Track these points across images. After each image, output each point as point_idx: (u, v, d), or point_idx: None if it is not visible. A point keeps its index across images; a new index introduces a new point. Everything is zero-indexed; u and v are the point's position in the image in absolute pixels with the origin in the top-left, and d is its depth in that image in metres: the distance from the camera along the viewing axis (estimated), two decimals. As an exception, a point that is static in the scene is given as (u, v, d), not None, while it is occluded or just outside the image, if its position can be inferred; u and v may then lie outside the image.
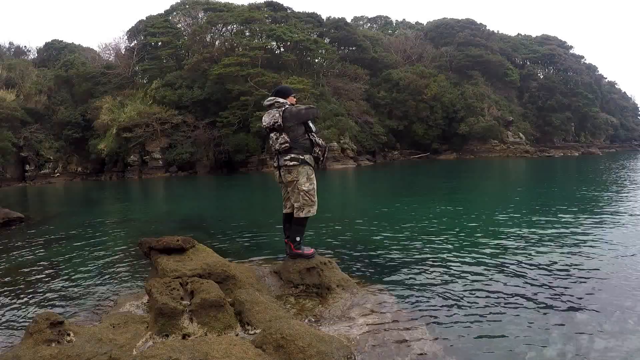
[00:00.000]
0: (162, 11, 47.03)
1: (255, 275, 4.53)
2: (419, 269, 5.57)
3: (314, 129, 4.56)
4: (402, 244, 7.02)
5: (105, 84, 38.29)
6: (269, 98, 4.62)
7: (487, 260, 5.85)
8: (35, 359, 2.82)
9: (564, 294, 4.52)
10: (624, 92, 73.00)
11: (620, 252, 6.02)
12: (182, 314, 3.37)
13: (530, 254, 6.07)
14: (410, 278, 5.22)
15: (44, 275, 6.14)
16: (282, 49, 39.67)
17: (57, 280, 5.87)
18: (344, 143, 35.35)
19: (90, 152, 35.74)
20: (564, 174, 22.80)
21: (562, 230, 7.57)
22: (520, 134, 45.31)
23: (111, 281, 5.68)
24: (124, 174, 34.73)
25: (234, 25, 39.23)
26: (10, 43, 50.30)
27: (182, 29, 43.66)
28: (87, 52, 47.45)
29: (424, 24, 59.50)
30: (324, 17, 46.62)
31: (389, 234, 7.82)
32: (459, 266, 5.63)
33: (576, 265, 5.51)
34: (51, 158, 35.52)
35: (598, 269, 5.30)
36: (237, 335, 3.37)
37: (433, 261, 5.89)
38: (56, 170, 35.87)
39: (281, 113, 4.40)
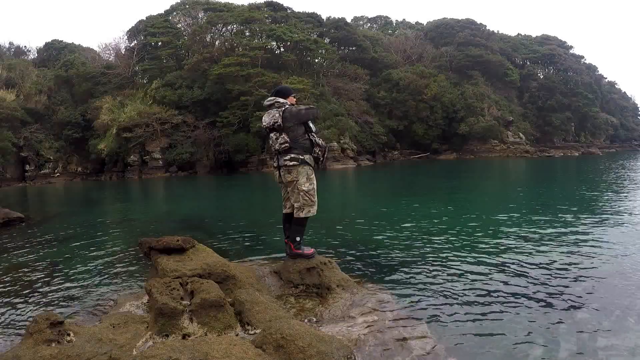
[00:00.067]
0: (162, 11, 47.10)
1: (255, 275, 4.53)
2: (419, 268, 5.57)
3: (314, 129, 4.56)
4: (402, 243, 7.02)
5: (105, 84, 38.30)
6: (269, 98, 4.62)
7: (487, 260, 5.85)
8: (35, 359, 2.81)
9: (564, 293, 4.53)
10: (624, 92, 73.12)
11: (620, 251, 6.03)
12: (182, 314, 3.37)
13: (530, 254, 6.08)
14: (410, 277, 5.22)
15: (44, 275, 6.13)
16: (282, 49, 39.67)
17: (57, 280, 5.87)
18: (344, 143, 35.33)
19: (90, 152, 35.74)
20: (563, 174, 22.80)
21: (562, 230, 7.57)
22: (520, 134, 45.31)
23: (111, 281, 5.67)
24: (124, 174, 34.73)
25: (234, 25, 39.24)
26: (10, 43, 50.41)
27: (182, 29, 43.66)
28: (87, 52, 47.46)
29: (424, 24, 59.50)
30: (324, 17, 46.67)
31: (389, 234, 7.81)
32: (459, 265, 5.63)
33: (576, 264, 5.52)
34: (51, 158, 35.51)
35: (598, 268, 5.31)
36: (237, 335, 3.36)
37: (433, 261, 5.89)
38: (56, 170, 35.86)
39: (281, 113, 4.40)
